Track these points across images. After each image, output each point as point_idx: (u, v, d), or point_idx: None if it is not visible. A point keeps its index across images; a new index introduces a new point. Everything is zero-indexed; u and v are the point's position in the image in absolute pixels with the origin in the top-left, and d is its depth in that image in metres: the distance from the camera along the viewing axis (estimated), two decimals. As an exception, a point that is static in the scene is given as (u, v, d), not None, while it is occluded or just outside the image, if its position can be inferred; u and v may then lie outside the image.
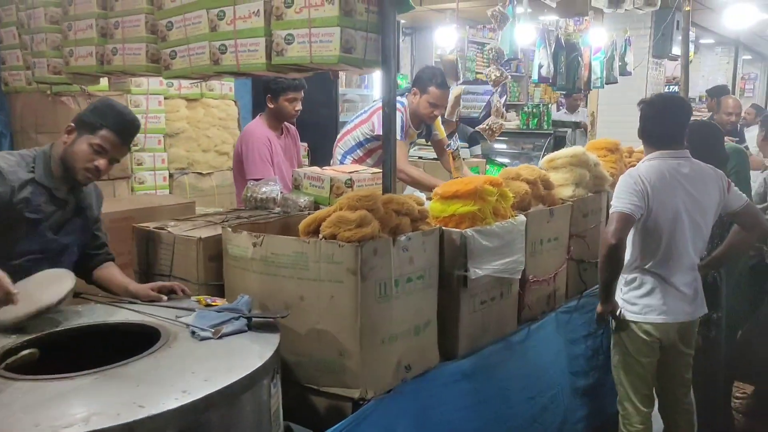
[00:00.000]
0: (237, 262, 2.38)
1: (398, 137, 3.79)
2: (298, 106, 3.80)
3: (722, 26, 7.47)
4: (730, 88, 10.63)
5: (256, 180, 3.28)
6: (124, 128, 2.36)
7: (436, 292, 2.49)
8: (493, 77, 3.48)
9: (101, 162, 2.31)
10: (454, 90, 3.19)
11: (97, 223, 2.57)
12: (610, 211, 2.89)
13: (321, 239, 2.17)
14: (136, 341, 1.88)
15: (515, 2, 3.53)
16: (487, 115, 8.43)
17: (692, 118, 3.19)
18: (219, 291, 2.50)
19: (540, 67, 4.86)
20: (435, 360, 2.47)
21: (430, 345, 2.46)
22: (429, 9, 6.50)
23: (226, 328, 1.96)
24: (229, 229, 2.41)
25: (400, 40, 8.30)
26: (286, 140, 3.91)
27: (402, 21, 7.67)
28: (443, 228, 2.56)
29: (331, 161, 4.17)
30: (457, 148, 3.57)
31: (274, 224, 2.68)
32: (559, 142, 7.66)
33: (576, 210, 3.44)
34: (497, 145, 8.63)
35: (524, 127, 7.89)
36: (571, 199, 3.43)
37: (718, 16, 6.71)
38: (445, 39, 3.83)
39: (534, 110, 7.72)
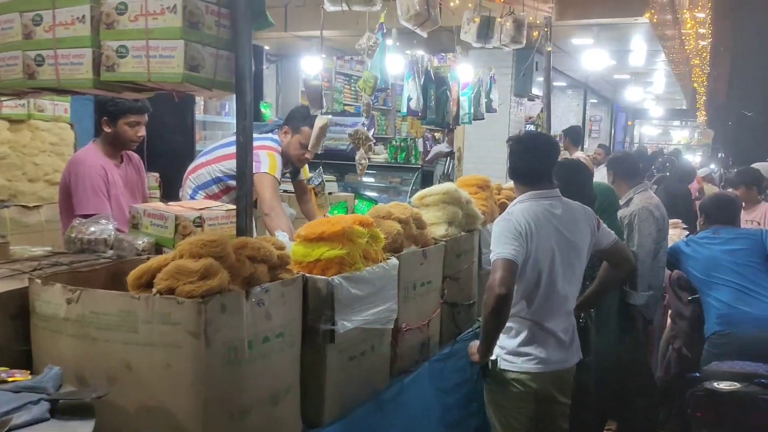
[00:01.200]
0: (47, 323, 1.90)
1: (278, 177, 3.48)
2: (141, 132, 3.33)
3: (573, 70, 7.90)
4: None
5: (87, 216, 2.76)
6: None
7: (298, 351, 2.15)
8: (363, 107, 3.25)
9: None
10: (319, 120, 2.91)
11: None
12: (492, 258, 2.69)
13: (155, 294, 1.77)
14: None
15: (384, 29, 3.35)
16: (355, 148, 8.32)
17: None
18: (27, 358, 1.99)
19: (409, 99, 4.74)
20: (297, 432, 2.12)
21: (291, 415, 2.11)
22: (294, 36, 6.24)
23: (17, 418, 1.48)
24: (38, 281, 1.92)
25: (264, 67, 7.95)
26: (126, 169, 3.40)
27: (266, 47, 7.35)
28: (307, 275, 2.24)
29: (180, 195, 3.71)
30: (320, 183, 3.27)
31: (101, 273, 2.21)
32: (426, 177, 7.66)
33: (449, 250, 3.26)
34: (365, 179, 8.52)
35: (392, 160, 7.81)
36: (444, 238, 3.24)
37: (571, 60, 7.06)
38: (312, 67, 3.58)
39: (402, 144, 7.67)
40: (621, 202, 4.38)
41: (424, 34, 3.24)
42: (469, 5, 4.05)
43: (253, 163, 3.40)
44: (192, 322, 1.72)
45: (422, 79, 4.71)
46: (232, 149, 3.54)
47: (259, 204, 3.55)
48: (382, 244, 2.64)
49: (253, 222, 3.84)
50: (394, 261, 2.64)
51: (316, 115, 2.94)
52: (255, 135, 3.73)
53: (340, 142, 7.98)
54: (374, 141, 8.34)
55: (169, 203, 2.87)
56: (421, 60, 4.74)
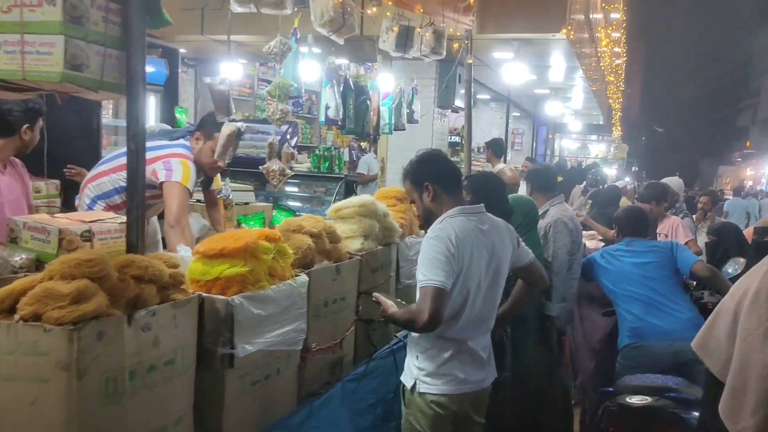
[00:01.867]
0: None
1: (191, 188, 3.23)
2: (31, 137, 3.04)
3: (496, 83, 8.01)
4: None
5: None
6: None
7: (192, 378, 1.97)
8: (277, 115, 3.08)
9: None
10: (227, 127, 2.72)
11: None
12: (422, 283, 2.50)
13: (18, 321, 1.56)
14: None
15: (298, 35, 3.21)
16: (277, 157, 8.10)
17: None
18: None
19: (327, 108, 4.60)
20: (189, 468, 1.94)
21: (182, 450, 1.92)
22: (212, 39, 6.00)
23: None
24: None
25: (182, 71, 7.63)
26: (11, 177, 3.10)
27: (182, 51, 7.04)
28: (204, 295, 2.06)
29: (77, 204, 3.43)
30: (229, 195, 3.08)
31: (-35, 295, 1.96)
32: (350, 187, 7.54)
33: (365, 265, 3.14)
34: (288, 188, 8.30)
35: (315, 169, 7.66)
36: (359, 252, 3.13)
37: (493, 73, 7.14)
38: (231, 73, 3.41)
39: (325, 153, 7.53)
40: (539, 212, 4.41)
41: (340, 41, 3.12)
42: (388, 14, 3.98)
43: (164, 171, 3.21)
44: (62, 353, 1.53)
45: (341, 88, 4.60)
46: (147, 157, 3.30)
47: (165, 215, 3.31)
48: (291, 259, 2.49)
49: (158, 235, 3.61)
50: (303, 278, 2.50)
51: (222, 119, 2.74)
52: (165, 142, 3.52)
53: (261, 150, 7.74)
54: (295, 150, 8.18)
55: (56, 215, 2.62)
56: (339, 68, 4.62)
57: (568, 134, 21.32)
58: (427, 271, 2.50)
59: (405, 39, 3.72)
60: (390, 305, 2.73)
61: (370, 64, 7.93)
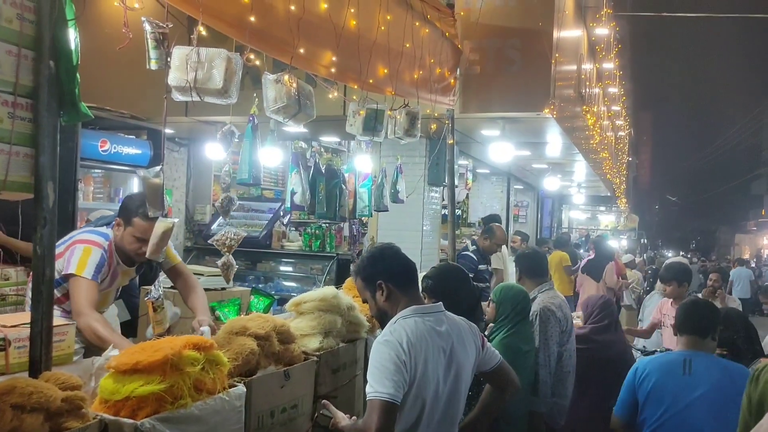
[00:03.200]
0: None
1: (89, 276, 3.00)
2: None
3: (491, 159, 7.89)
4: (504, 214, 11.44)
5: None
6: None
7: None
8: (218, 204, 2.91)
9: None
10: (161, 224, 2.54)
11: None
12: (369, 395, 2.26)
13: None
14: None
15: (255, 120, 3.09)
16: (268, 235, 7.96)
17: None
18: None
19: (293, 193, 4.46)
20: None
21: None
22: (196, 120, 5.96)
23: None
24: None
25: (174, 151, 7.62)
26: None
27: (171, 131, 7.04)
28: (108, 419, 1.82)
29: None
30: (159, 296, 2.87)
31: None
32: (343, 266, 7.32)
33: (323, 366, 2.88)
34: (282, 268, 8.11)
35: (307, 248, 7.47)
36: (317, 352, 2.87)
37: (486, 149, 7.03)
38: (217, 154, 3.28)
39: (317, 231, 7.36)
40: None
41: (299, 127, 2.99)
42: (354, 97, 3.88)
43: (65, 261, 3.00)
44: None
45: (310, 172, 4.47)
46: (63, 246, 3.06)
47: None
48: (227, 368, 2.25)
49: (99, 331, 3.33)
50: (238, 389, 2.25)
51: (156, 215, 2.54)
52: (86, 229, 3.33)
53: (252, 228, 7.62)
54: (287, 228, 8.03)
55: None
56: (307, 152, 4.51)
57: (576, 205, 21.14)
58: (374, 381, 2.25)
59: (373, 122, 3.61)
60: (341, 418, 2.46)
61: (367, 141, 7.88)
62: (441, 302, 2.59)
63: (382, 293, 2.50)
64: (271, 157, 3.57)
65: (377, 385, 2.23)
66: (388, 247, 2.61)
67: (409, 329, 2.37)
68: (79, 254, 2.96)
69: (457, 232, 10.52)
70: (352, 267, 2.69)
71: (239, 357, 2.39)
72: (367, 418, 2.21)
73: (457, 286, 3.16)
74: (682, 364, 3.17)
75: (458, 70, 4.99)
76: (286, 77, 2.73)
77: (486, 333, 3.77)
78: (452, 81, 4.75)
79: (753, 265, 23.52)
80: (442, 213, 7.20)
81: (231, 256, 3.10)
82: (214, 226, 7.07)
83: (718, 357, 3.31)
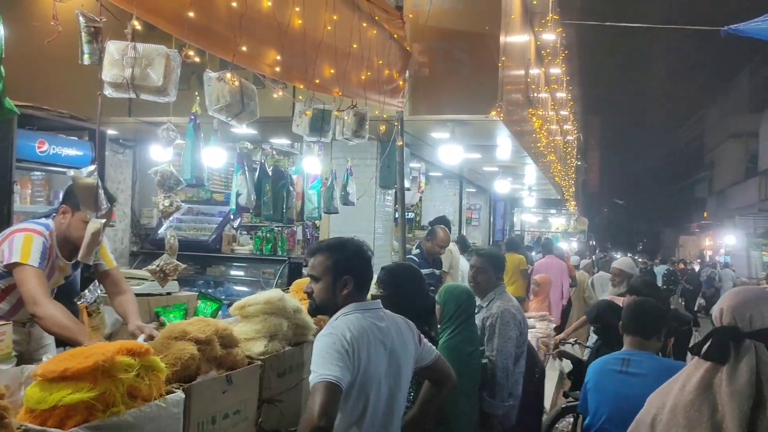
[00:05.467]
0: None
1: (35, 264, 2.86)
2: None
3: (442, 161, 7.94)
4: (457, 217, 11.54)
5: None
6: None
7: None
8: (161, 207, 2.82)
9: None
10: (92, 225, 2.44)
11: None
12: (312, 381, 2.25)
13: None
14: None
15: (197, 120, 3.01)
16: (218, 239, 7.80)
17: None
18: None
19: (238, 195, 4.37)
20: None
21: None
22: (141, 121, 5.81)
23: None
24: None
25: (119, 153, 7.40)
26: None
27: (115, 132, 6.85)
28: (33, 429, 1.74)
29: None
30: (95, 301, 2.76)
31: None
32: (295, 269, 7.24)
33: (268, 370, 2.82)
34: (233, 272, 7.97)
35: (258, 252, 7.36)
36: (262, 356, 2.81)
37: (437, 152, 7.07)
38: (163, 155, 3.18)
39: (268, 235, 7.26)
40: (483, 303, 4.14)
41: (242, 126, 2.93)
42: (300, 97, 3.84)
43: (6, 251, 2.84)
44: None
45: (256, 174, 4.39)
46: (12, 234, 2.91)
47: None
48: (164, 374, 2.18)
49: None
50: (176, 395, 2.18)
51: (92, 216, 2.43)
52: (27, 220, 3.18)
53: (201, 232, 7.47)
54: (237, 232, 7.89)
55: None
56: (253, 153, 4.44)
57: (528, 208, 21.52)
58: (318, 367, 2.24)
59: (321, 123, 3.57)
60: None
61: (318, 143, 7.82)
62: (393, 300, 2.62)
63: (344, 288, 2.48)
64: (215, 157, 3.49)
65: (320, 369, 2.22)
66: (368, 249, 2.62)
67: (351, 324, 2.38)
68: (21, 241, 2.80)
69: (410, 235, 10.58)
70: (322, 244, 2.64)
71: (178, 362, 2.31)
72: (311, 400, 2.18)
73: (410, 284, 3.17)
74: (620, 363, 3.22)
75: (407, 72, 5.00)
76: (229, 75, 2.68)
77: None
78: (401, 83, 4.75)
79: (697, 266, 24.37)
80: (395, 216, 7.21)
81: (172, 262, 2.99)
82: (161, 230, 6.90)
83: (659, 356, 3.37)
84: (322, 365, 2.25)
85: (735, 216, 26.74)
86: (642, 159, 59.93)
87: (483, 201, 14.23)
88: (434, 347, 2.72)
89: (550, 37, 9.06)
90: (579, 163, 26.36)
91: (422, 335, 2.67)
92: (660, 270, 17.99)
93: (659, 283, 15.85)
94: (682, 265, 23.07)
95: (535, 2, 7.39)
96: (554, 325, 7.20)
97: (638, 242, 55.99)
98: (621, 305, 4.45)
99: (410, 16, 5.28)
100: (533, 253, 12.99)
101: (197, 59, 2.72)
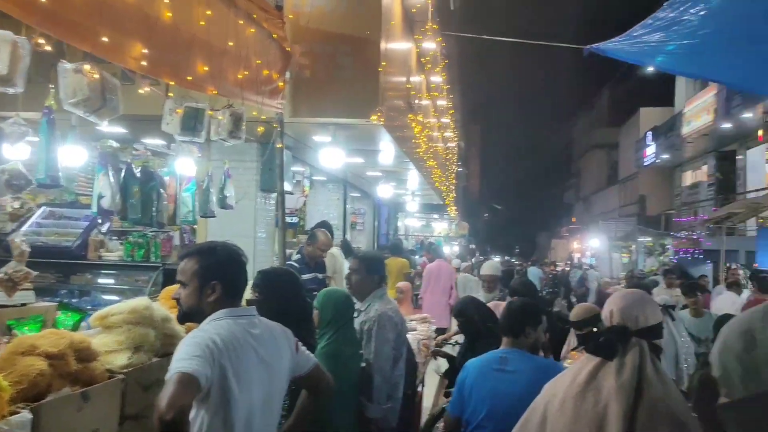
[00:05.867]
0: None
1: None
2: None
3: (324, 165, 7.89)
4: (341, 222, 11.54)
5: None
6: None
7: None
8: (10, 209, 2.56)
9: None
10: None
11: None
12: (167, 377, 2.08)
13: None
14: None
15: (51, 114, 2.76)
16: (84, 245, 7.25)
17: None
18: None
19: (101, 197, 4.08)
20: None
21: None
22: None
23: None
24: None
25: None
26: None
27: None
28: None
29: None
30: None
31: None
32: (169, 276, 6.87)
33: (132, 384, 2.65)
34: (101, 280, 7.43)
35: (128, 258, 6.91)
36: (124, 369, 2.63)
37: (320, 156, 7.02)
38: (12, 152, 2.85)
39: (140, 240, 6.84)
40: (362, 307, 4.13)
41: (102, 123, 2.72)
42: (170, 94, 3.65)
43: None
44: None
45: (122, 174, 4.12)
46: None
47: None
48: (8, 394, 1.97)
49: None
50: (22, 417, 1.98)
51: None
52: None
53: (64, 237, 6.90)
54: (106, 237, 7.40)
55: None
56: (116, 152, 4.18)
57: (411, 213, 21.97)
58: (174, 363, 2.08)
59: (194, 122, 3.41)
60: None
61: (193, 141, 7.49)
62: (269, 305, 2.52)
63: (211, 293, 2.35)
64: (73, 156, 3.22)
65: (176, 364, 2.07)
66: (241, 254, 2.49)
67: (220, 329, 2.26)
68: None
69: (295, 239, 10.43)
70: (191, 248, 2.49)
71: (24, 380, 2.11)
72: (161, 395, 1.99)
73: (287, 289, 3.09)
74: (498, 361, 3.34)
75: (288, 73, 4.91)
76: (87, 67, 2.47)
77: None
78: (281, 84, 4.66)
79: (567, 267, 25.96)
80: (289, 220, 7.06)
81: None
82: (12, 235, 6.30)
83: (533, 355, 3.53)
84: (179, 360, 2.11)
85: (599, 221, 28.86)
86: (519, 166, 63.32)
87: (367, 206, 14.34)
88: (312, 355, 2.66)
89: (430, 45, 9.30)
90: (460, 169, 27.35)
91: (299, 342, 2.60)
92: (533, 271, 19.08)
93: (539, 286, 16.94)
94: (552, 267, 24.47)
95: (414, 10, 7.56)
96: (435, 327, 7.36)
97: (515, 245, 58.93)
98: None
99: (290, 16, 5.19)
100: (417, 257, 13.28)
101: (50, 48, 2.49)
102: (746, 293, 8.15)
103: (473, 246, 26.38)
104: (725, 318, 5.13)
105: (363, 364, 3.90)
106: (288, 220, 10.19)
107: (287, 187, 6.75)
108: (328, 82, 5.43)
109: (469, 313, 4.70)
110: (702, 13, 3.81)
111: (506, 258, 38.06)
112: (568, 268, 25.25)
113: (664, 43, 4.18)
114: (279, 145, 4.62)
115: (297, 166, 8.38)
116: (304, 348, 2.61)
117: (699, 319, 6.07)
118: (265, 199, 6.62)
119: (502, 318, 3.55)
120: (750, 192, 15.31)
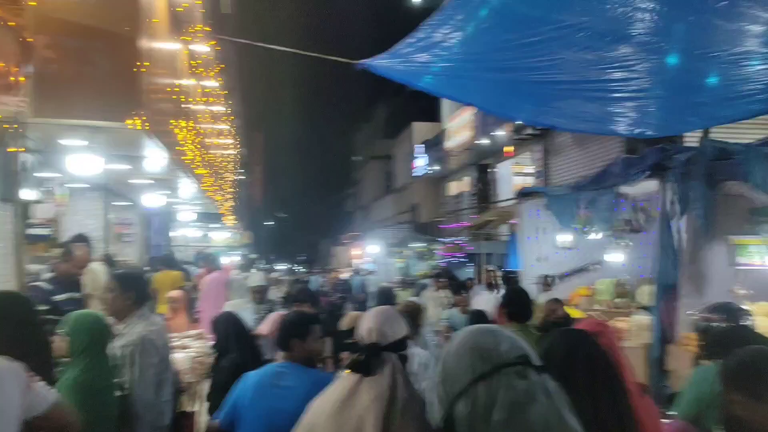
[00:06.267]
0: None
1: None
2: None
3: (78, 171, 7.14)
4: (103, 233, 10.58)
5: None
6: None
7: None
8: None
9: None
10: None
11: None
12: None
13: None
14: None
15: None
16: None
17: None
18: None
19: None
20: None
21: None
22: None
23: None
24: None
25: None
26: None
27: None
28: None
29: None
30: None
31: None
32: None
33: None
34: None
35: None
36: None
37: (75, 161, 6.32)
38: None
39: None
40: (124, 329, 3.75)
41: None
42: None
43: None
44: None
45: None
46: None
47: None
48: None
49: None
50: None
51: None
52: None
53: None
54: None
55: None
56: None
57: (187, 223, 20.98)
58: None
59: None
60: None
61: None
62: None
63: None
64: None
65: None
66: None
67: None
68: None
69: (47, 254, 9.26)
70: None
71: None
72: None
73: (16, 318, 2.67)
74: (274, 376, 3.26)
75: (29, 67, 4.29)
76: None
77: None
78: (20, 78, 4.06)
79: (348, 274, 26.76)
80: (36, 231, 6.21)
81: None
82: None
83: (304, 367, 3.49)
84: None
85: (376, 228, 30.38)
86: (304, 175, 64.31)
87: (136, 215, 13.33)
88: (52, 390, 2.32)
89: (202, 48, 8.91)
90: (243, 177, 26.83)
91: (35, 377, 2.24)
92: (315, 279, 19.44)
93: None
94: (335, 274, 25.08)
95: (179, 9, 7.17)
96: (212, 343, 7.06)
97: (301, 253, 59.65)
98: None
99: (32, 3, 4.56)
100: (193, 268, 12.62)
101: None
102: (501, 292, 9.17)
103: (254, 256, 26.05)
104: (477, 312, 5.99)
105: (120, 393, 3.55)
106: (38, 232, 9.03)
107: (34, 195, 5.99)
108: (79, 79, 4.88)
109: (218, 328, 4.70)
110: (459, 38, 4.08)
111: (290, 267, 38.28)
112: (348, 275, 26.05)
113: (429, 64, 4.39)
114: (22, 150, 3.99)
115: (48, 172, 7.44)
116: (41, 384, 2.27)
117: (466, 315, 7.08)
118: (4, 208, 5.75)
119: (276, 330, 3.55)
120: (501, 201, 17.26)
